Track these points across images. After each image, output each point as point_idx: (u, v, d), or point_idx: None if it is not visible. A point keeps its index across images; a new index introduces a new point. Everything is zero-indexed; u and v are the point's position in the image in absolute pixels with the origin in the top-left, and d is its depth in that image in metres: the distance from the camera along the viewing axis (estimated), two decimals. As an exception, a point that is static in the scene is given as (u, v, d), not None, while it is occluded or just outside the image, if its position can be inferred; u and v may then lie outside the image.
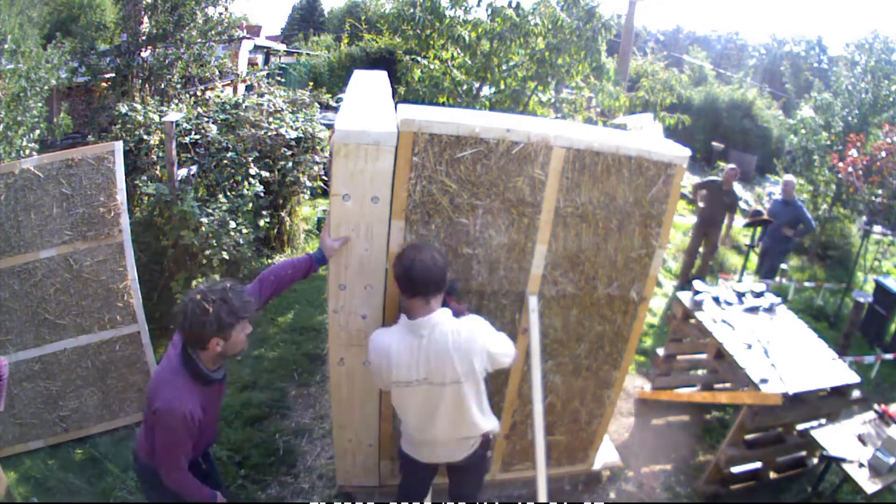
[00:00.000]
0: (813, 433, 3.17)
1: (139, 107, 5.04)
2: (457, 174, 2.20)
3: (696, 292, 3.79)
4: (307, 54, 17.41)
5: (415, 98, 4.78)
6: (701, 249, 6.21)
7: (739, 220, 7.03)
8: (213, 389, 2.02)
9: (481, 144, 2.18)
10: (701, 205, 6.07)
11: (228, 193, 4.67)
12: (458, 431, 2.12)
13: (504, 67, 4.98)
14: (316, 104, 6.22)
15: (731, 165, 6.25)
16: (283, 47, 19.68)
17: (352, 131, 2.06)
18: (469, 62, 4.97)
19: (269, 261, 5.51)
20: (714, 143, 11.14)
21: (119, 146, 3.43)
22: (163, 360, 1.97)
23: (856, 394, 3.41)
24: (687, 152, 2.48)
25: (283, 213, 5.71)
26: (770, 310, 3.78)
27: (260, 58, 16.50)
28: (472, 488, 2.33)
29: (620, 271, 2.55)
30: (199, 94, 6.63)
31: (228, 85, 8.06)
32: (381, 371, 2.03)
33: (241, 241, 4.42)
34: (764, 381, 3.07)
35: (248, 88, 8.18)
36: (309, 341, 4.42)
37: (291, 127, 5.46)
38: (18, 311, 3.24)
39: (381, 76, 3.34)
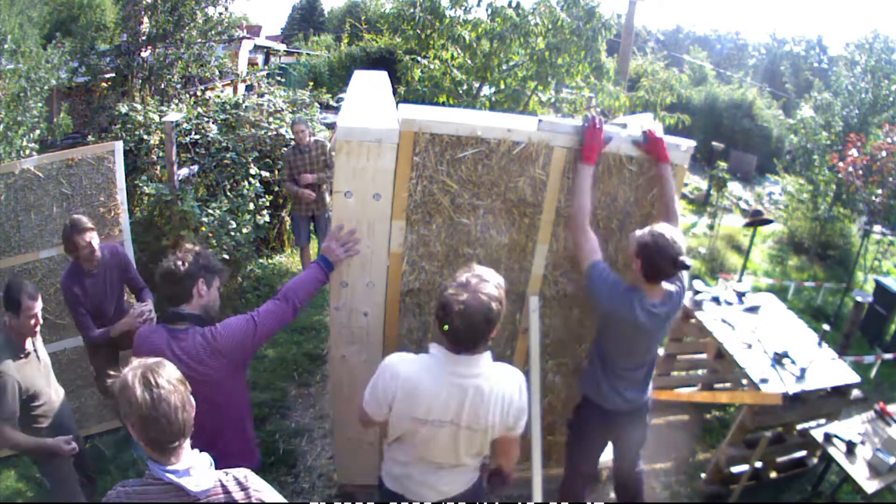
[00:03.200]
0: (813, 433, 3.17)
1: (139, 107, 5.04)
2: (458, 174, 2.20)
3: (697, 292, 3.80)
4: (307, 54, 17.44)
5: (415, 98, 4.78)
6: None
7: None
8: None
9: (482, 144, 2.18)
10: None
11: (228, 193, 4.67)
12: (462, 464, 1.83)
13: (504, 67, 4.98)
14: (316, 104, 6.22)
15: None
16: (283, 47, 19.69)
17: (354, 128, 2.07)
18: (469, 62, 4.97)
19: (270, 261, 5.50)
20: (714, 143, 11.14)
21: (119, 146, 3.44)
22: None
23: (856, 394, 3.41)
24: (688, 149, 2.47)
25: (283, 213, 5.71)
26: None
27: (260, 58, 16.52)
28: None
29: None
30: (199, 94, 6.63)
31: (228, 85, 8.06)
32: (399, 403, 1.70)
33: (241, 241, 4.42)
34: (764, 380, 3.07)
35: (248, 88, 8.19)
36: (309, 341, 4.42)
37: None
38: (19, 311, 3.24)
39: (382, 76, 3.34)
